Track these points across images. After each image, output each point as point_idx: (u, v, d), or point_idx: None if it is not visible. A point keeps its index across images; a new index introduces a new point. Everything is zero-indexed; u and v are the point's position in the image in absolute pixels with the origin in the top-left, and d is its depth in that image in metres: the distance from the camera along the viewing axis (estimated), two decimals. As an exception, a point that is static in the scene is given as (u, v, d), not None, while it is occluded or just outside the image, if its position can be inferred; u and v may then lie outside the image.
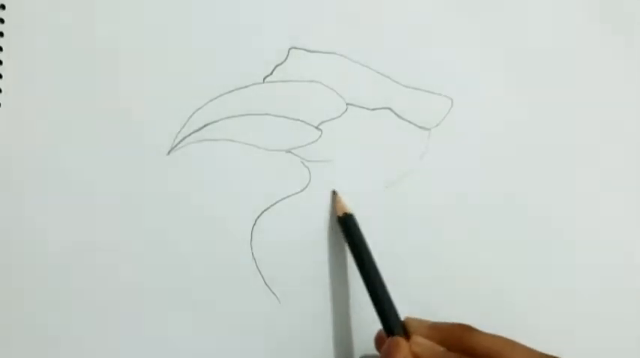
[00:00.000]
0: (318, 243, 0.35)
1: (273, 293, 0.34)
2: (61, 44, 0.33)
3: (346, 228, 0.34)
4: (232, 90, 0.35)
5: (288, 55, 0.35)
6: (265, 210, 0.34)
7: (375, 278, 0.32)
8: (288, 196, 0.35)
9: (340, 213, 0.34)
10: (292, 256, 0.34)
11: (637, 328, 0.37)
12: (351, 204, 0.35)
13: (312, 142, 0.35)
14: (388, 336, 0.31)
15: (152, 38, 0.34)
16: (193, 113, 0.34)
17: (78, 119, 0.33)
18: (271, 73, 0.35)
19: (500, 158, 0.36)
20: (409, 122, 0.36)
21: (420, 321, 0.31)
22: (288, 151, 0.35)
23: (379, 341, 0.33)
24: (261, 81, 0.35)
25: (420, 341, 0.30)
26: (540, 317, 0.36)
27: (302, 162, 0.35)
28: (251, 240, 0.34)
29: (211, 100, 0.35)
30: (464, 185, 0.36)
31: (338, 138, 0.35)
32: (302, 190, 0.35)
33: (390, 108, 0.36)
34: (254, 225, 0.34)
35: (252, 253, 0.34)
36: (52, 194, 0.33)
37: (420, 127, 0.36)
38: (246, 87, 0.35)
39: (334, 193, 0.35)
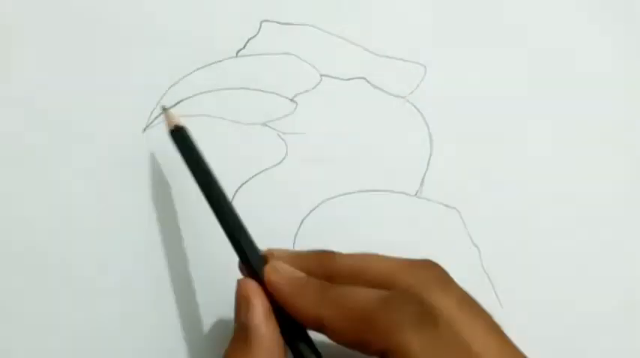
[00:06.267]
0: (295, 213, 0.34)
1: (254, 266, 0.34)
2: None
3: (180, 143, 0.30)
4: (205, 66, 0.35)
5: (260, 28, 0.35)
6: (243, 184, 0.34)
7: (224, 204, 0.28)
8: (265, 169, 0.34)
9: (171, 127, 0.30)
10: (270, 228, 0.34)
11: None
12: (328, 173, 0.34)
13: (288, 115, 0.35)
14: (249, 272, 0.27)
15: (124, 15, 0.34)
16: (167, 90, 0.34)
17: (54, 101, 0.33)
18: (244, 47, 0.35)
19: (477, 128, 0.36)
20: (383, 91, 0.36)
21: (281, 250, 0.28)
22: (264, 124, 0.35)
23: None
24: (235, 55, 0.35)
25: (278, 267, 0.26)
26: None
27: (278, 135, 0.35)
28: (229, 213, 0.34)
29: (185, 76, 0.34)
30: (437, 153, 0.36)
31: (313, 110, 0.35)
32: (279, 163, 0.35)
33: (364, 78, 0.35)
34: (232, 199, 0.34)
35: (231, 227, 0.34)
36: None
37: (395, 96, 0.36)
38: (219, 61, 0.35)
39: (164, 109, 0.31)
